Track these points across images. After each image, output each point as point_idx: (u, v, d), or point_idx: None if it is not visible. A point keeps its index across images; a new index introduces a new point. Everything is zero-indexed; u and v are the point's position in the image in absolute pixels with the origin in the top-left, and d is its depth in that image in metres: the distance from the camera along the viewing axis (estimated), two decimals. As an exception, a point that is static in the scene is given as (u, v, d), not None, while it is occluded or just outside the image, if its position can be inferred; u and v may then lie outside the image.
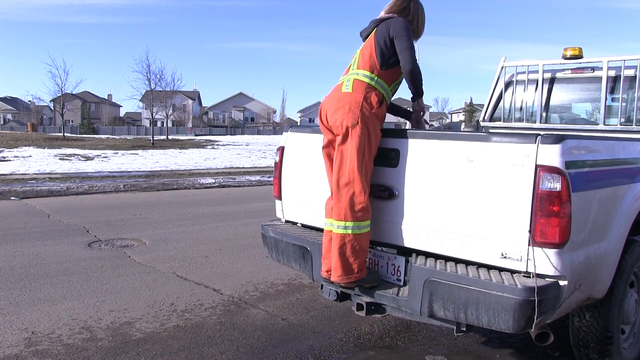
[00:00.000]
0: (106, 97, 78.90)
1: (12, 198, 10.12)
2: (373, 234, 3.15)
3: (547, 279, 2.54)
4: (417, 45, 3.29)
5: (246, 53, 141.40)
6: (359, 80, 3.12)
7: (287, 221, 3.80)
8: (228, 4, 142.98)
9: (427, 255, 2.95)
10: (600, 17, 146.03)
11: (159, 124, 54.86)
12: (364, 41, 3.30)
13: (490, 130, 4.78)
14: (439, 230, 2.85)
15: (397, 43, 3.10)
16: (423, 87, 3.21)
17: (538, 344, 2.89)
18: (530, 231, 2.51)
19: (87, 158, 21.42)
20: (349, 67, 3.26)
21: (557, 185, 2.46)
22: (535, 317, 2.45)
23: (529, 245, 2.53)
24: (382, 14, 3.30)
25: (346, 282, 3.07)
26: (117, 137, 46.94)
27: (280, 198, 3.78)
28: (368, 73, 3.13)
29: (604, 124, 4.62)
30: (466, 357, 3.65)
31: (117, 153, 24.89)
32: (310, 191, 3.54)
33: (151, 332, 3.88)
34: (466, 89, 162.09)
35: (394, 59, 3.14)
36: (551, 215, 2.47)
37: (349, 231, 2.99)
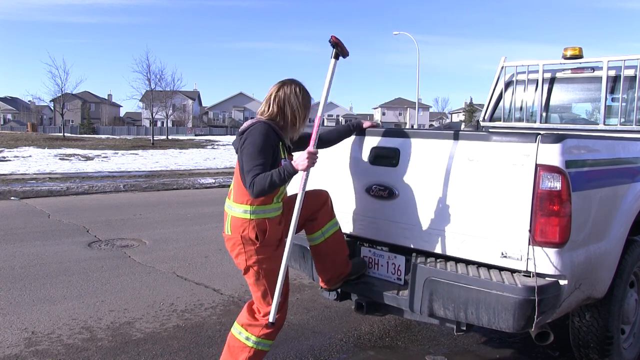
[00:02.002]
0: (106, 97, 78.85)
1: (12, 198, 10.12)
2: (374, 233, 3.16)
3: (547, 278, 2.54)
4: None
5: (246, 53, 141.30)
6: (235, 217, 2.76)
7: (287, 221, 3.80)
8: (228, 4, 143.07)
9: (428, 254, 2.95)
10: (600, 17, 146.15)
11: (159, 124, 54.84)
12: None
13: (491, 130, 4.78)
14: (439, 230, 2.85)
15: (243, 162, 2.67)
16: (278, 180, 2.60)
17: (538, 343, 2.89)
18: (530, 230, 2.51)
19: (87, 158, 21.42)
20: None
21: (557, 185, 2.47)
22: (535, 317, 2.45)
23: (529, 244, 2.53)
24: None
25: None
26: (117, 137, 46.95)
27: (280, 198, 3.78)
28: (242, 206, 2.73)
29: (604, 124, 4.62)
30: (466, 357, 3.65)
31: (117, 153, 24.89)
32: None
33: (151, 332, 3.88)
34: (466, 89, 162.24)
35: None
36: (551, 215, 2.47)
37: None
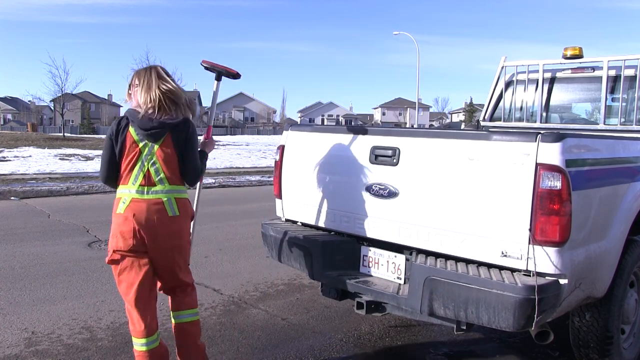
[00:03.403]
0: (106, 97, 78.81)
1: (12, 198, 10.11)
2: (374, 232, 3.16)
3: (547, 277, 2.54)
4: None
5: (246, 53, 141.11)
6: (180, 198, 2.89)
7: (287, 220, 3.80)
8: (228, 4, 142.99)
9: (428, 253, 2.95)
10: (600, 17, 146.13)
11: (159, 124, 54.74)
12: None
13: (491, 129, 4.78)
14: (439, 229, 2.85)
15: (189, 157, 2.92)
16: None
17: (538, 342, 2.89)
18: (530, 229, 2.51)
19: (87, 158, 21.39)
20: (148, 174, 2.84)
21: (557, 184, 2.47)
22: (535, 316, 2.45)
23: (529, 243, 2.53)
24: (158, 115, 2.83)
25: None
26: (117, 137, 46.70)
27: (280, 197, 3.78)
28: (181, 187, 2.91)
29: (604, 124, 4.62)
30: (466, 357, 3.65)
31: (117, 153, 24.82)
32: (310, 190, 3.54)
33: (151, 332, 3.87)
34: (466, 89, 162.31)
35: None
36: (551, 214, 2.47)
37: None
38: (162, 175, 2.83)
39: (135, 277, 2.86)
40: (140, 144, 2.82)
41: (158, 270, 2.93)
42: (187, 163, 2.89)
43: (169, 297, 3.05)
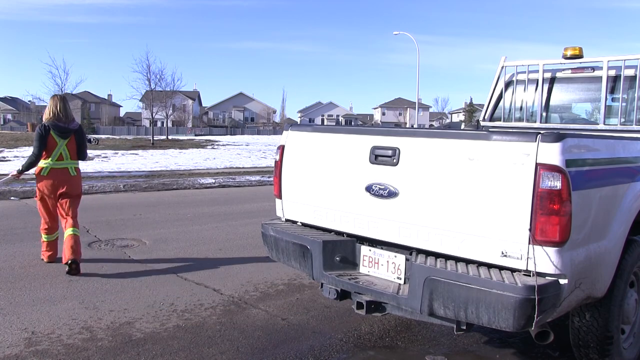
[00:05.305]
0: (106, 97, 78.80)
1: (12, 198, 10.11)
2: (374, 232, 3.16)
3: (547, 277, 2.54)
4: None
5: (246, 53, 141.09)
6: (77, 167, 5.64)
7: (287, 220, 3.80)
8: (228, 4, 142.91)
9: (427, 253, 2.95)
10: (600, 17, 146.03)
11: (159, 124, 54.80)
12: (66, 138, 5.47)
13: (491, 129, 4.78)
14: (439, 229, 2.85)
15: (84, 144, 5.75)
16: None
17: (538, 342, 2.89)
18: (530, 229, 2.51)
19: (87, 158, 21.40)
20: (61, 155, 5.44)
21: (557, 184, 2.47)
22: (535, 316, 2.45)
23: (529, 243, 2.53)
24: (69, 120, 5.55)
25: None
26: (117, 137, 47.03)
27: (280, 197, 3.78)
28: (77, 161, 5.63)
29: (604, 124, 4.62)
30: (466, 357, 3.65)
31: (117, 153, 24.88)
32: (310, 190, 3.54)
33: (151, 332, 3.88)
34: (466, 89, 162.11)
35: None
36: (551, 214, 2.47)
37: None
38: (68, 155, 5.49)
39: (52, 205, 5.53)
40: (57, 140, 5.39)
41: (66, 204, 5.50)
42: (82, 150, 5.64)
43: (64, 220, 5.50)
